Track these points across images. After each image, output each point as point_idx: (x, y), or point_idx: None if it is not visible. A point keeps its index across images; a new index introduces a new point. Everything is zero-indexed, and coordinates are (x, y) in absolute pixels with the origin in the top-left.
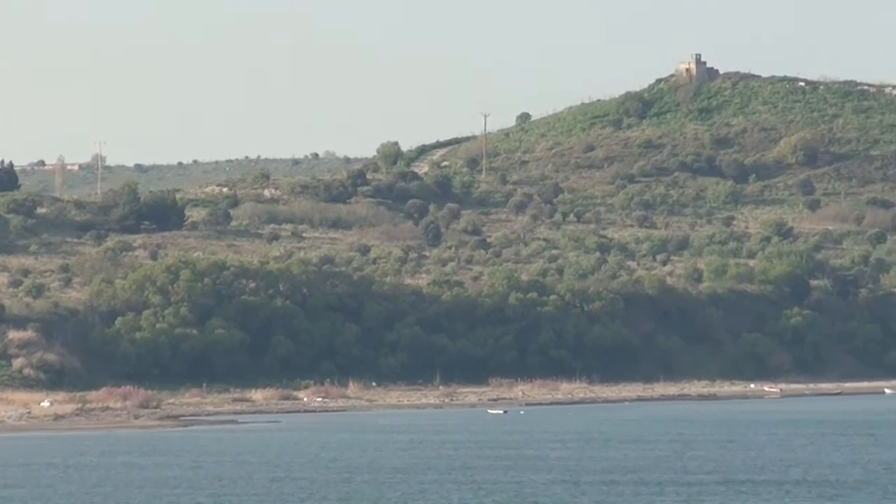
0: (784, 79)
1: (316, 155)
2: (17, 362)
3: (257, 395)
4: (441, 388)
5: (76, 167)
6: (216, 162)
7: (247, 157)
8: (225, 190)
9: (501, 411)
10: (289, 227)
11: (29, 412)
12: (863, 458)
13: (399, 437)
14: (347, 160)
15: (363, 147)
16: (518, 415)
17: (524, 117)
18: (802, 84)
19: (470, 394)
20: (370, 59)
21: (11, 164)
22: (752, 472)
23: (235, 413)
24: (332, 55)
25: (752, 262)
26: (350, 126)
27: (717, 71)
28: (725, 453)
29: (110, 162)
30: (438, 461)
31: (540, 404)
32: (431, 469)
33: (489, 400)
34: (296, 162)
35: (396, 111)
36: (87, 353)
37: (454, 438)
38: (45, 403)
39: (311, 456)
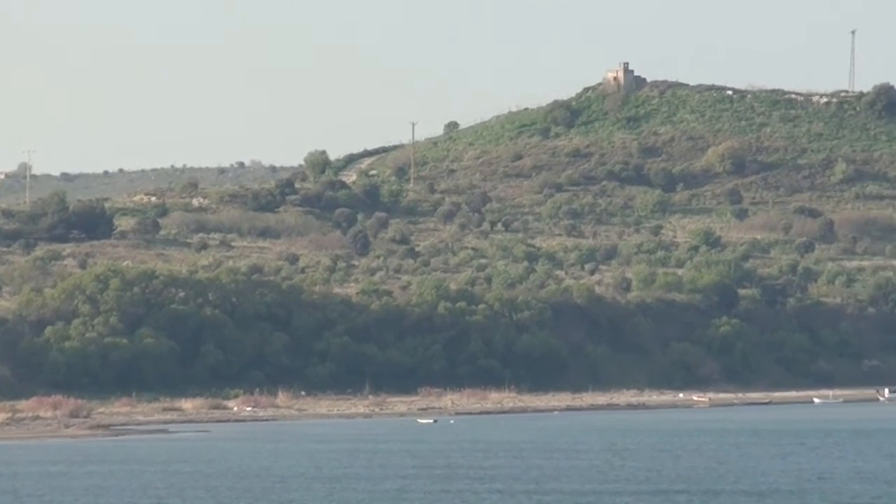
0: (712, 87)
1: (242, 164)
2: None
3: (187, 404)
4: (370, 397)
5: (2, 176)
6: (142, 171)
7: (172, 166)
8: (153, 199)
9: (431, 421)
10: (217, 236)
11: None
12: (796, 467)
13: (331, 447)
14: (273, 169)
15: (289, 156)
16: (448, 424)
17: (452, 126)
18: (730, 93)
19: (399, 403)
20: (294, 67)
21: None
22: (687, 481)
23: (166, 422)
24: (256, 64)
25: (680, 272)
26: (276, 135)
27: (644, 80)
28: (659, 463)
29: (36, 170)
30: (372, 471)
31: (469, 413)
32: (365, 479)
33: (419, 409)
34: (222, 171)
35: (323, 120)
36: (17, 362)
37: (386, 448)
38: None
39: (245, 466)
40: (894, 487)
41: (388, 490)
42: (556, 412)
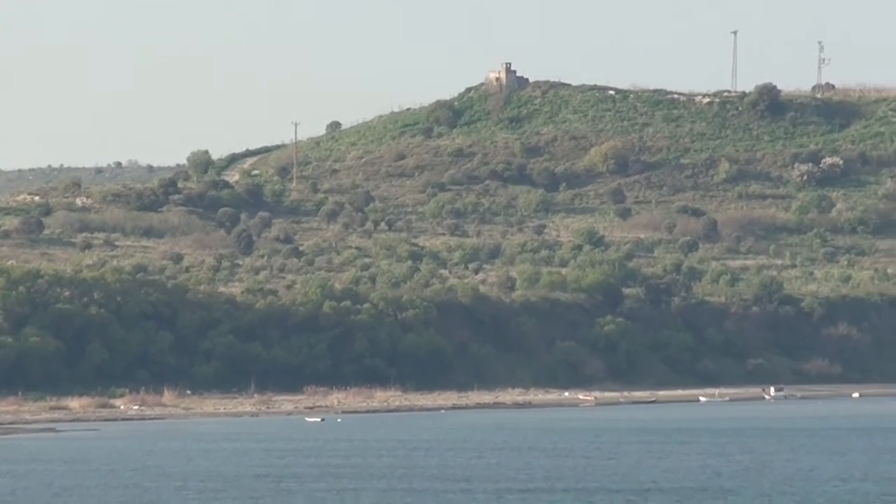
0: (594, 87)
1: (119, 164)
2: None
3: (74, 403)
4: (256, 396)
5: None
6: (19, 171)
7: (50, 166)
8: (37, 199)
9: (319, 419)
10: (101, 235)
11: None
12: (693, 464)
13: (223, 446)
14: (151, 168)
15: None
16: (336, 423)
17: (334, 126)
18: (612, 93)
19: (286, 402)
20: (172, 66)
21: None
22: (584, 479)
23: (53, 421)
24: (134, 64)
25: (564, 271)
26: (152, 134)
27: (527, 80)
28: (554, 461)
29: None
30: (267, 469)
31: (356, 412)
32: (262, 477)
33: (305, 408)
34: (99, 170)
35: (204, 119)
36: None
37: (278, 447)
38: None
39: (139, 464)
40: (793, 485)
41: (289, 489)
42: (442, 411)
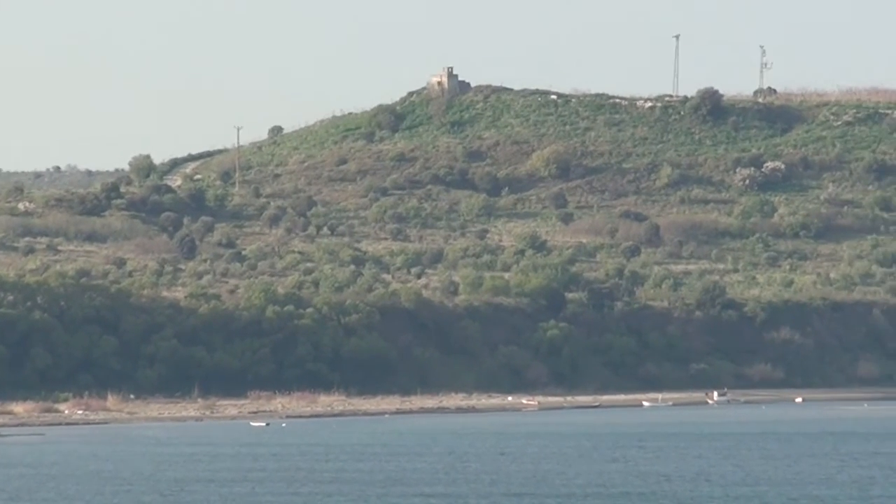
0: (536, 92)
1: (58, 168)
2: None
3: (18, 407)
4: (200, 400)
5: None
6: None
7: None
8: None
9: (264, 424)
10: (44, 240)
11: None
12: (640, 469)
13: (171, 450)
14: (90, 173)
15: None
16: (281, 427)
17: (276, 130)
18: (554, 97)
19: (230, 406)
20: (111, 69)
21: None
22: (534, 484)
23: None
24: (69, 64)
25: (506, 275)
26: (90, 139)
27: (468, 84)
28: (502, 465)
29: None
30: (217, 473)
31: (300, 417)
32: (213, 481)
33: (249, 413)
34: (38, 175)
35: (145, 123)
36: None
37: (226, 451)
38: None
39: (90, 469)
40: (739, 489)
41: (240, 493)
42: (386, 415)
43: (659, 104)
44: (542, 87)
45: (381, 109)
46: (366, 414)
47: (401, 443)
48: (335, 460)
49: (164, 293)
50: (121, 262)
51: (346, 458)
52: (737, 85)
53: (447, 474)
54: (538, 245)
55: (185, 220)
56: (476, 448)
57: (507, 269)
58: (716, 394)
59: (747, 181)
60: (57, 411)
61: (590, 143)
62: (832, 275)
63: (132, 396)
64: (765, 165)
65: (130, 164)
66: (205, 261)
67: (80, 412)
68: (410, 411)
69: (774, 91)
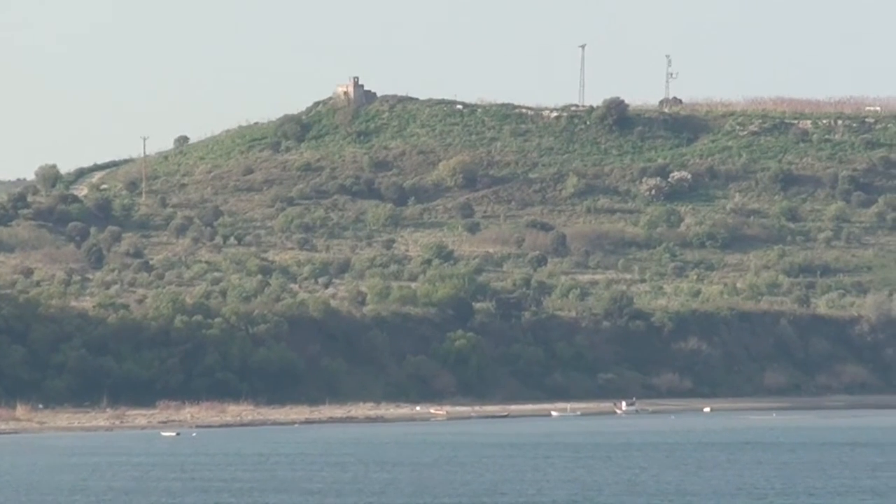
0: (442, 101)
1: None
2: None
3: None
4: (109, 410)
5: None
6: None
7: None
8: None
9: (174, 433)
10: None
11: None
12: (568, 477)
13: (86, 460)
14: None
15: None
16: (191, 437)
17: (182, 140)
18: (460, 107)
19: (139, 416)
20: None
21: None
22: (457, 494)
23: None
24: None
25: (414, 285)
26: None
27: (374, 94)
28: (424, 475)
29: None
30: (136, 483)
31: (210, 426)
32: (135, 492)
33: (159, 422)
34: None
35: (49, 133)
36: None
37: (141, 461)
38: None
39: (7, 479)
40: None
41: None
42: (296, 425)
43: (565, 114)
44: (448, 96)
45: (287, 119)
46: (275, 424)
47: (311, 452)
48: (252, 469)
49: (73, 303)
50: (28, 272)
51: (262, 467)
52: (643, 95)
53: (366, 484)
54: (445, 255)
55: (93, 230)
56: (394, 457)
57: (413, 278)
58: (624, 403)
59: (653, 191)
60: None
61: (496, 153)
62: (739, 285)
63: (41, 406)
64: (671, 175)
65: (36, 173)
66: (112, 270)
67: None
68: (319, 421)
69: (680, 101)
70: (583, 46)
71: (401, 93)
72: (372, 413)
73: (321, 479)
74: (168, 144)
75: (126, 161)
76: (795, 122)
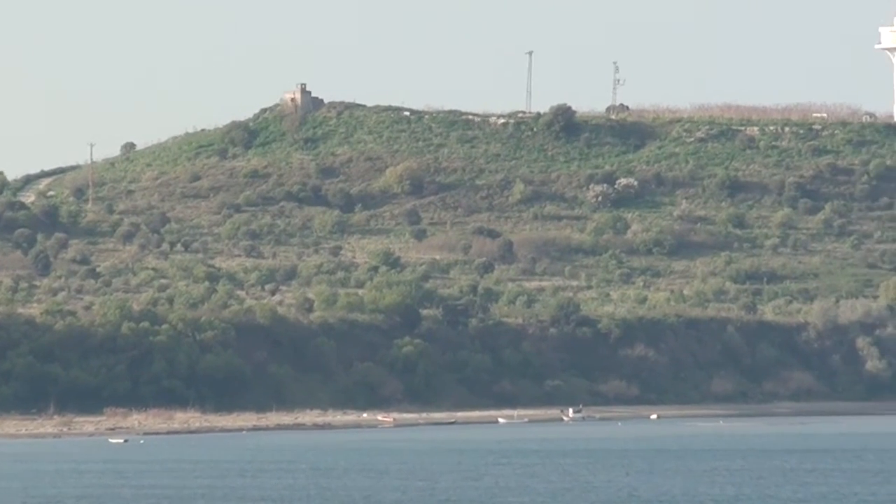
0: (389, 108)
1: None
2: None
3: None
4: (56, 417)
5: None
6: None
7: None
8: None
9: (122, 440)
10: None
11: None
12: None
13: (36, 467)
14: None
15: None
16: (139, 444)
17: (129, 147)
18: (407, 113)
19: (87, 423)
20: None
21: None
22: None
23: None
24: None
25: (361, 292)
26: None
27: (322, 100)
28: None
29: None
30: (85, 490)
31: (157, 433)
32: (85, 498)
33: (107, 429)
34: None
35: None
36: None
37: (89, 468)
38: None
39: None
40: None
41: None
42: (244, 432)
43: (512, 121)
44: (395, 103)
45: (234, 126)
46: (222, 431)
47: (261, 459)
48: (206, 477)
49: (20, 310)
50: None
51: (215, 475)
52: (590, 101)
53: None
54: (392, 262)
55: (40, 237)
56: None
57: (360, 285)
58: (571, 410)
59: (600, 198)
60: None
61: (443, 160)
62: (686, 291)
63: None
64: (618, 182)
65: None
66: (59, 277)
67: None
68: (267, 428)
69: (627, 108)
70: (530, 53)
71: (348, 99)
72: (319, 420)
73: (272, 486)
74: (115, 151)
75: (73, 168)
76: (742, 128)
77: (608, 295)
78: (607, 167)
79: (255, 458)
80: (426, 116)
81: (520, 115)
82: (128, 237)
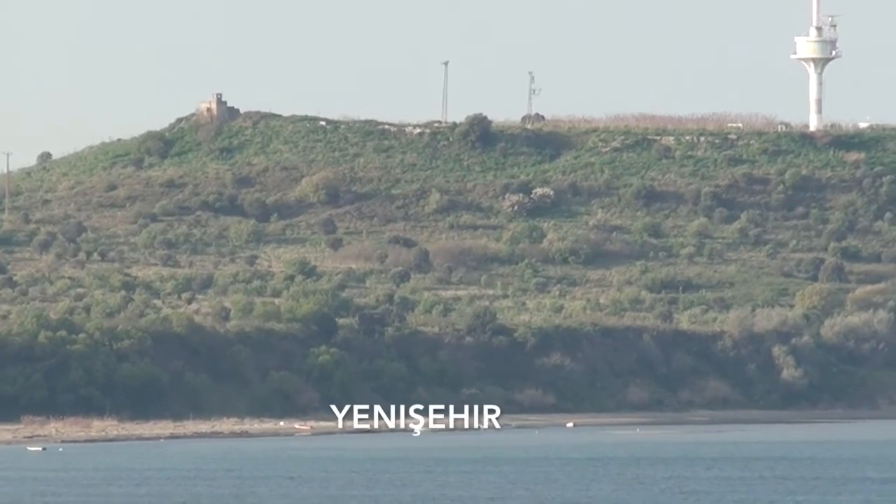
0: (305, 118)
1: None
2: None
3: None
4: None
5: None
6: None
7: None
8: None
9: (41, 448)
10: None
11: None
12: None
13: None
14: None
15: None
16: (58, 452)
17: (45, 156)
18: (323, 123)
19: (4, 431)
20: None
21: None
22: None
23: None
24: None
25: (277, 301)
26: None
27: (238, 110)
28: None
29: None
30: (8, 498)
31: (75, 441)
32: None
33: (24, 437)
34: None
35: None
36: None
37: (9, 476)
38: None
39: None
40: None
41: None
42: (162, 440)
43: (428, 130)
44: (311, 113)
45: (150, 136)
46: (140, 439)
47: (183, 467)
48: (129, 485)
49: None
50: None
51: (140, 482)
52: (506, 111)
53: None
54: (308, 271)
55: None
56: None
57: (277, 294)
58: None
59: (516, 207)
60: None
61: (359, 169)
62: (602, 300)
63: None
64: (533, 191)
65: None
66: None
67: None
68: (184, 436)
69: (543, 117)
70: (446, 63)
71: (264, 109)
72: (237, 428)
73: (195, 494)
74: (31, 160)
75: None
76: (658, 138)
77: (524, 304)
78: (523, 177)
79: (178, 467)
80: (342, 126)
81: (436, 124)
82: (44, 246)
